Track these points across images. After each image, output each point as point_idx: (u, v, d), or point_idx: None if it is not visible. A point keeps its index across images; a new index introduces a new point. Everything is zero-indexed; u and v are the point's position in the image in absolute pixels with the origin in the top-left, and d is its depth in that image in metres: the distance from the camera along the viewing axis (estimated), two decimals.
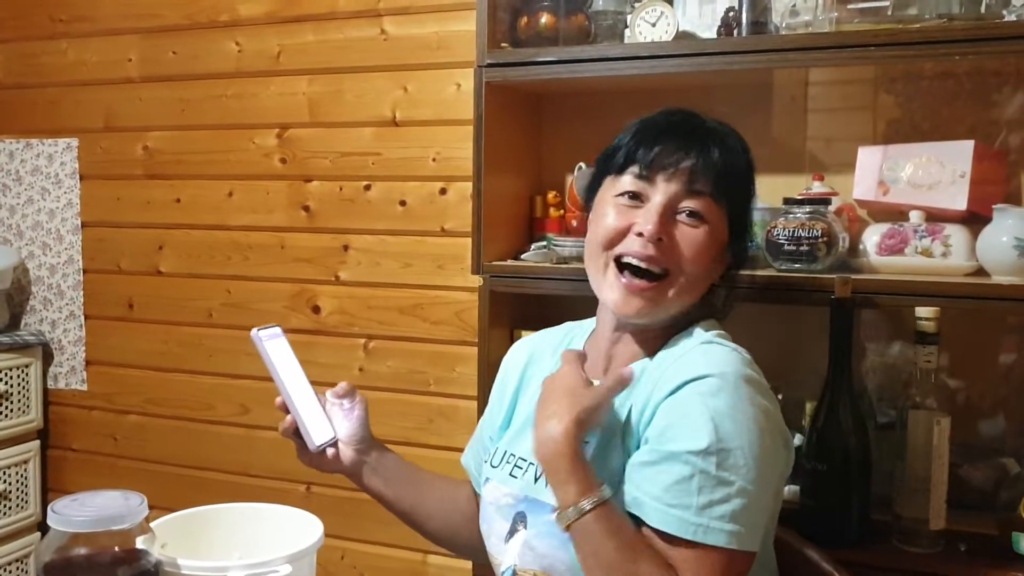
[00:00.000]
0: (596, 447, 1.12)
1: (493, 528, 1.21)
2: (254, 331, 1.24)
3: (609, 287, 1.14)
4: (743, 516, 1.00)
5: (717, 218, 1.12)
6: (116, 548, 1.06)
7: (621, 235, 1.12)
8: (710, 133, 1.15)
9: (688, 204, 1.11)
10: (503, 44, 1.81)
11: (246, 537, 1.26)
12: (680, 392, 1.04)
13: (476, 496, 1.38)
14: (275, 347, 1.26)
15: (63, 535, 1.03)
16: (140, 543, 1.07)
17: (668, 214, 1.11)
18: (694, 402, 1.02)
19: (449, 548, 1.42)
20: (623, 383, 1.07)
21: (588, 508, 1.00)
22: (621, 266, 1.13)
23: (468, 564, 1.91)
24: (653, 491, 1.02)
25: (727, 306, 1.24)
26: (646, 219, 1.10)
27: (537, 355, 1.32)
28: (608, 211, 1.15)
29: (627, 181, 1.14)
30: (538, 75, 1.74)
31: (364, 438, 1.29)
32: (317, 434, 1.26)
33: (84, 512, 1.04)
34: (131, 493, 1.10)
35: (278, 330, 1.28)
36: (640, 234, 1.10)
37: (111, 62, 2.58)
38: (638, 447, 1.08)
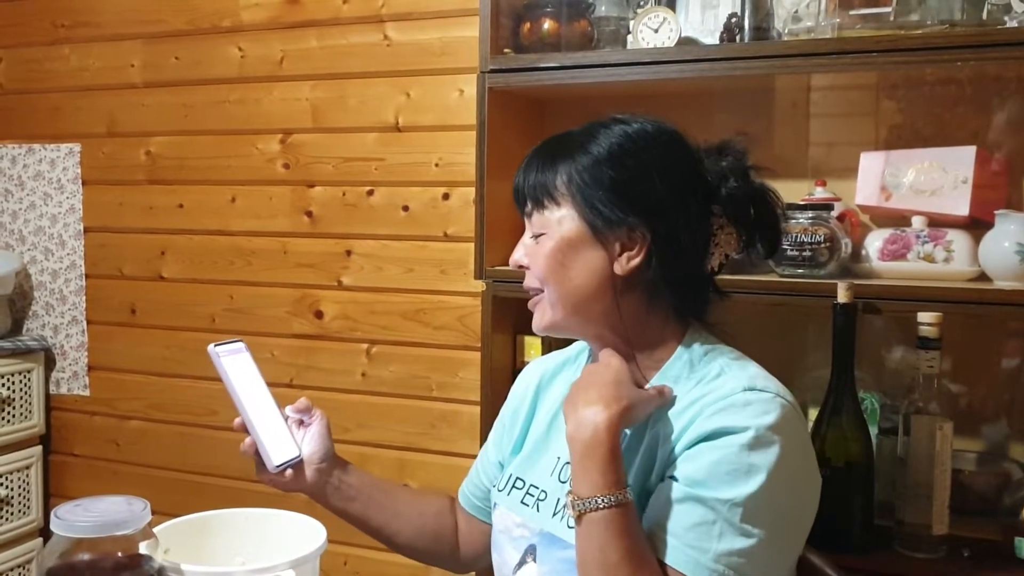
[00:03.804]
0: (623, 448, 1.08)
1: (504, 557, 1.20)
2: (211, 346, 1.19)
3: None
4: (759, 568, 1.00)
5: (558, 223, 1.12)
6: (119, 554, 1.06)
7: None
8: (543, 152, 1.16)
9: (531, 228, 1.16)
10: (506, 50, 1.82)
11: (249, 542, 1.26)
12: (718, 440, 1.01)
13: (450, 514, 1.38)
14: (234, 363, 1.22)
15: (66, 540, 1.03)
16: (143, 548, 1.07)
17: (530, 241, 1.16)
18: (730, 451, 1.00)
19: (420, 560, 1.41)
20: (664, 399, 1.08)
21: (611, 504, 0.98)
22: None
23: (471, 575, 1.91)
24: (673, 528, 1.00)
25: (691, 301, 1.16)
26: None
27: (548, 375, 1.31)
28: None
29: None
30: (541, 81, 1.75)
31: (325, 456, 1.25)
32: (276, 454, 1.21)
33: (87, 517, 1.04)
34: (134, 498, 1.10)
35: (241, 345, 1.24)
36: None
37: (114, 67, 2.59)
38: (660, 475, 1.06)
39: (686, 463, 1.03)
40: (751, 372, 1.09)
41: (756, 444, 1.00)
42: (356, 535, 2.27)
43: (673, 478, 1.03)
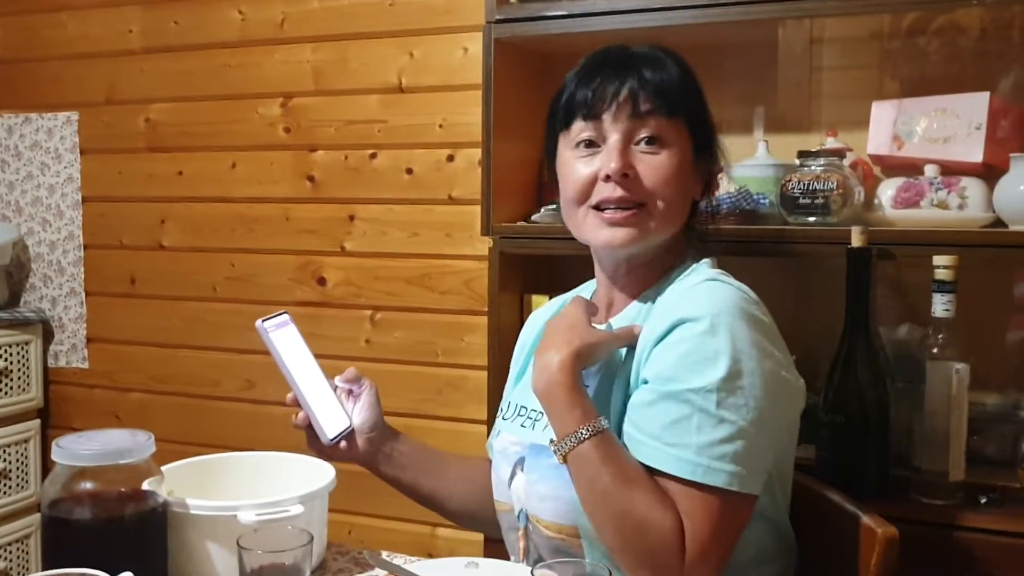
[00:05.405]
0: (596, 389, 1.11)
1: (499, 475, 1.20)
2: (259, 322, 1.17)
3: (593, 229, 1.13)
4: (744, 457, 0.98)
5: (676, 136, 1.11)
6: (123, 488, 1.03)
7: (591, 185, 1.12)
8: (639, 58, 1.13)
9: (642, 132, 1.10)
10: (512, 0, 1.79)
11: (256, 485, 1.24)
12: (678, 330, 1.02)
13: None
14: (283, 337, 1.19)
15: (68, 470, 1.01)
16: (147, 485, 1.04)
17: (626, 148, 1.10)
18: (693, 341, 1.00)
19: (469, 526, 1.40)
20: (630, 337, 1.09)
21: (585, 436, 0.99)
22: (601, 211, 1.12)
23: (478, 536, 1.88)
24: (651, 430, 1.00)
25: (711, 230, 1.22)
26: (607, 160, 1.09)
27: (550, 316, 1.28)
28: (571, 165, 1.14)
29: (577, 130, 1.13)
30: (548, 30, 1.72)
31: (376, 425, 1.25)
32: (330, 426, 1.20)
33: (90, 446, 1.02)
34: (138, 431, 1.08)
35: (286, 317, 1.22)
36: (608, 177, 1.09)
37: (112, 34, 2.55)
38: (637, 387, 1.07)
39: (654, 364, 1.04)
40: (716, 272, 1.12)
41: (715, 328, 1.00)
42: (360, 504, 2.27)
43: (644, 381, 1.04)
